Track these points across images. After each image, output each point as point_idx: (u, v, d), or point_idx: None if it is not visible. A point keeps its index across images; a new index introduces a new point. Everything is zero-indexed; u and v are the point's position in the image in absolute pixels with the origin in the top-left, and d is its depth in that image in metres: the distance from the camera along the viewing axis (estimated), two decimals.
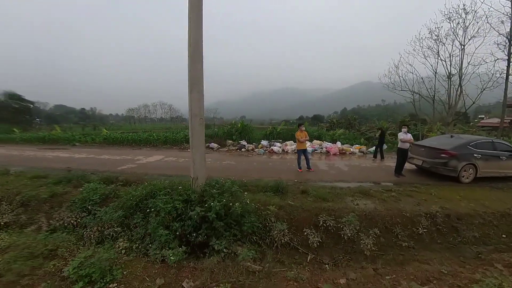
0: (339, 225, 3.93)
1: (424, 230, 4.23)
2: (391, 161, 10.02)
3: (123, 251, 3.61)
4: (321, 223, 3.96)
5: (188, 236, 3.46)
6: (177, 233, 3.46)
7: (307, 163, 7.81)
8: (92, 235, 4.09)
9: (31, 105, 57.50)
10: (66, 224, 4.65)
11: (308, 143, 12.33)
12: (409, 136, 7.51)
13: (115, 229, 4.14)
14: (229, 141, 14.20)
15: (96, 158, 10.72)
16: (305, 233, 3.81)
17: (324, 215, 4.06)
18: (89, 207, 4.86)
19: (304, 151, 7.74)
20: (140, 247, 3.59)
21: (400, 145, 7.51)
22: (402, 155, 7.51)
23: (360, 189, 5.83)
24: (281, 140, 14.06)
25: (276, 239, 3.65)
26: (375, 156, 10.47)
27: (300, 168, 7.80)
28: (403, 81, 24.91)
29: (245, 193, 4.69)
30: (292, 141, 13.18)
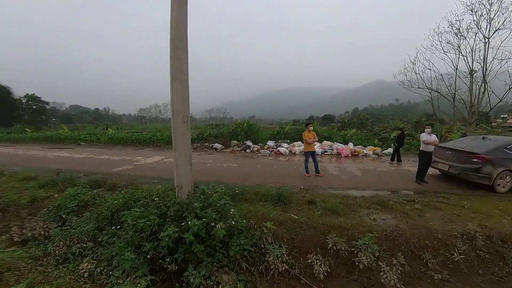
0: (352, 249, 3.14)
1: (461, 256, 3.36)
2: (409, 165, 9.03)
3: (85, 275, 2.98)
4: (330, 245, 3.18)
5: (161, 260, 2.78)
6: (148, 256, 2.78)
7: (316, 167, 7.01)
8: (57, 251, 3.49)
9: (47, 106, 59.60)
10: (36, 236, 4.09)
11: (317, 144, 11.47)
12: (433, 138, 6.55)
13: (85, 245, 3.52)
14: (234, 141, 13.53)
15: (95, 159, 10.31)
16: (310, 259, 3.04)
17: (334, 235, 3.28)
18: (63, 215, 4.29)
19: (312, 154, 6.95)
20: (105, 270, 2.94)
21: (423, 147, 6.56)
22: (425, 159, 6.56)
23: (377, 200, 4.98)
24: (288, 141, 13.25)
25: (272, 266, 2.91)
26: (392, 159, 9.48)
27: (307, 172, 7.01)
28: (420, 78, 23.47)
29: (239, 204, 3.99)
30: (300, 142, 12.34)
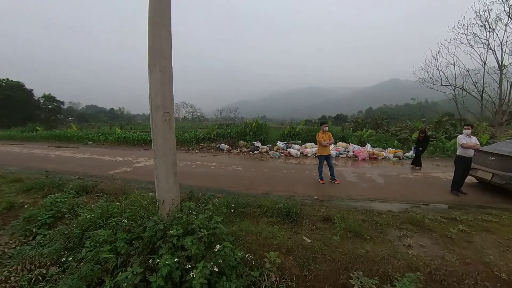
0: None
1: None
2: (436, 170, 7.95)
3: None
4: None
5: None
6: None
7: (331, 173, 6.12)
8: (12, 278, 2.83)
9: (62, 105, 61.43)
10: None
11: (331, 146, 10.53)
12: (474, 140, 5.50)
13: (47, 271, 2.84)
14: (241, 142, 12.79)
15: (96, 159, 9.86)
16: None
17: (361, 272, 2.43)
18: (34, 229, 3.66)
19: (328, 158, 6.07)
20: None
21: (460, 152, 5.52)
22: (464, 166, 5.52)
23: (408, 216, 4.06)
24: (300, 142, 12.36)
25: None
26: (415, 164, 8.37)
27: (321, 178, 6.13)
28: (443, 74, 21.73)
29: (238, 221, 3.20)
30: (312, 143, 11.42)
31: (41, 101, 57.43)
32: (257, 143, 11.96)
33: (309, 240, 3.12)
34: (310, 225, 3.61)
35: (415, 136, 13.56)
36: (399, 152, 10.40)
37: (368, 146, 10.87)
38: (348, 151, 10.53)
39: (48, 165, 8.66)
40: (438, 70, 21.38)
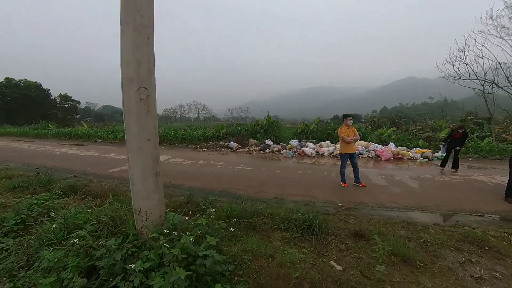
0: None
1: None
2: (476, 172, 6.84)
3: None
4: None
5: None
6: None
7: (356, 174, 5.21)
8: None
9: (78, 104, 63.10)
10: None
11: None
12: None
13: None
14: (252, 140, 12.01)
15: (99, 157, 9.39)
16: None
17: None
18: None
19: (352, 156, 5.18)
20: None
21: None
22: None
23: (464, 232, 3.13)
24: (314, 140, 11.42)
25: None
26: (453, 167, 7.17)
27: (344, 181, 5.23)
28: (471, 68, 20.01)
29: (244, 237, 2.41)
30: (328, 142, 10.46)
31: (58, 100, 59.29)
32: (269, 142, 11.13)
33: (340, 268, 2.27)
34: (338, 243, 2.76)
35: (443, 134, 12.28)
36: (428, 152, 9.25)
37: (392, 145, 9.77)
38: (369, 151, 9.50)
39: (49, 162, 8.24)
40: (465, 63, 19.73)
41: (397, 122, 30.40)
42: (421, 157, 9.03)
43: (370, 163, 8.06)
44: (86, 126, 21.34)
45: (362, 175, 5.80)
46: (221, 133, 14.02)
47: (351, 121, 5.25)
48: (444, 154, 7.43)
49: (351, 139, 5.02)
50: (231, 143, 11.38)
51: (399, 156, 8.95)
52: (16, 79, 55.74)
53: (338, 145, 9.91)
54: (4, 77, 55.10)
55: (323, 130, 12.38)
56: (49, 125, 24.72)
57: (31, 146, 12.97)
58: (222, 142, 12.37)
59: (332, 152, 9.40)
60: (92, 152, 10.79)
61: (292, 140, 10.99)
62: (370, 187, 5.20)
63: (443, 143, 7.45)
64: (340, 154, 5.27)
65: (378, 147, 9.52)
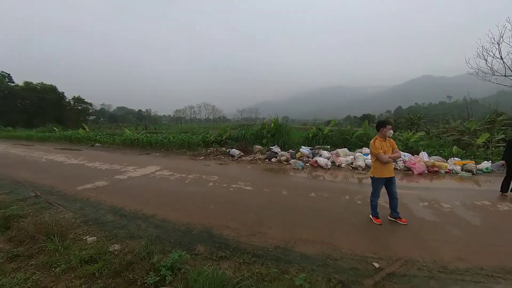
0: None
1: None
2: None
3: None
4: None
5: None
6: None
7: (393, 206, 3.68)
8: None
9: (90, 106, 64.04)
10: None
11: (361, 156, 7.96)
12: None
13: None
14: (257, 146, 10.60)
15: (81, 167, 8.29)
16: None
17: None
18: None
19: (389, 182, 3.66)
20: None
21: None
22: None
23: None
24: (329, 147, 9.87)
25: None
26: (503, 190, 5.35)
27: (376, 216, 3.69)
28: (505, 64, 17.68)
29: None
30: (345, 150, 8.87)
31: (72, 102, 60.41)
32: (276, 148, 9.69)
33: None
34: None
35: (481, 140, 10.36)
36: (471, 164, 7.50)
37: (424, 155, 8.07)
38: (396, 161, 7.88)
39: (23, 174, 7.20)
40: (501, 57, 17.42)
41: (415, 123, 27.86)
42: (462, 171, 7.31)
43: (400, 180, 6.45)
44: (87, 129, 20.65)
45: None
46: (223, 138, 12.72)
47: (391, 131, 3.69)
48: (492, 167, 5.72)
49: (389, 158, 3.51)
50: (233, 150, 10.02)
51: (435, 169, 7.27)
52: (34, 83, 57.35)
53: (357, 154, 8.34)
54: (23, 81, 56.86)
55: (339, 135, 10.79)
56: (54, 127, 24.41)
57: (25, 152, 12.17)
58: (224, 149, 11.05)
59: (351, 163, 7.83)
60: (78, 159, 9.74)
61: (303, 147, 9.48)
62: (414, 224, 3.65)
63: (502, 162, 5.53)
64: (372, 178, 3.72)
65: (408, 157, 7.86)
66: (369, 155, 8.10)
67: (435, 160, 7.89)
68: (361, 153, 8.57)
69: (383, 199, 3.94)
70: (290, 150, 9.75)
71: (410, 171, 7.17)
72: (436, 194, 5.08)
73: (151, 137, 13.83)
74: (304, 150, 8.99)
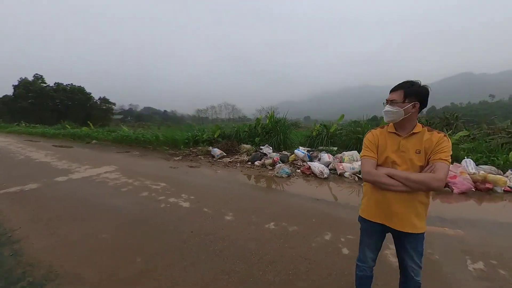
0: None
1: None
2: None
3: None
4: None
5: None
6: None
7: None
8: None
9: (114, 106, 66.63)
10: None
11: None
12: None
13: None
14: (245, 145, 8.78)
15: (39, 166, 7.29)
16: None
17: None
18: None
19: (398, 240, 1.50)
20: None
21: None
22: None
23: None
24: (335, 149, 7.73)
25: None
26: None
27: None
28: None
29: None
30: (354, 153, 6.65)
31: (98, 102, 63.41)
32: (266, 149, 7.79)
33: None
34: None
35: None
36: None
37: (469, 163, 5.59)
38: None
39: None
40: None
41: (452, 124, 23.99)
42: None
43: (434, 203, 4.22)
44: (92, 126, 20.35)
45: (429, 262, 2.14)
46: (215, 136, 11.06)
47: (389, 108, 1.44)
48: None
49: (386, 176, 1.39)
50: (215, 149, 8.30)
51: (487, 185, 4.86)
52: (64, 84, 61.11)
53: None
54: (54, 82, 60.81)
55: (351, 134, 8.53)
56: (67, 125, 24.72)
57: (17, 147, 11.68)
58: (210, 148, 9.39)
59: (359, 171, 5.65)
60: (52, 157, 8.74)
61: (299, 148, 7.44)
62: None
63: None
64: (359, 218, 1.66)
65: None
66: None
67: (486, 171, 5.44)
68: None
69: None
70: (284, 151, 7.78)
71: (447, 188, 4.85)
72: (499, 241, 2.83)
73: (139, 134, 12.64)
74: (299, 152, 6.96)
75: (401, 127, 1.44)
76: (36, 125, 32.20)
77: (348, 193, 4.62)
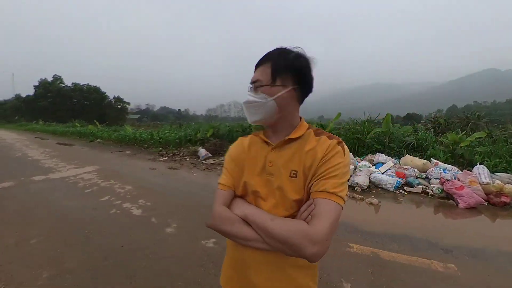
0: None
1: None
2: None
3: None
4: None
5: None
6: None
7: None
8: None
9: (128, 105, 68.21)
10: None
11: (385, 166, 4.93)
12: None
13: None
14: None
15: (28, 163, 7.34)
16: None
17: None
18: None
19: None
20: None
21: None
22: None
23: None
24: None
25: None
26: None
27: None
28: None
29: None
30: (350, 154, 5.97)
31: (112, 102, 65.26)
32: None
33: None
34: None
35: None
36: None
37: (483, 171, 4.74)
38: (428, 178, 4.81)
39: None
40: None
41: (474, 123, 22.25)
42: None
43: (428, 219, 3.50)
44: (99, 125, 20.62)
45: None
46: (208, 135, 10.65)
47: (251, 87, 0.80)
48: None
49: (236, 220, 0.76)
50: (201, 150, 7.86)
51: (504, 199, 4.05)
52: (81, 84, 63.45)
53: (362, 163, 5.30)
54: (71, 82, 63.28)
55: (349, 133, 7.78)
56: (77, 123, 25.30)
57: (23, 144, 12.01)
58: (201, 148, 8.98)
59: (348, 179, 4.97)
60: (46, 155, 8.87)
61: None
62: None
63: None
64: None
65: (450, 174, 4.72)
66: (382, 167, 5.17)
67: (504, 181, 4.62)
68: (371, 161, 5.66)
69: None
70: None
71: (451, 201, 4.09)
72: (508, 282, 2.11)
73: (136, 134, 12.49)
74: None
75: (273, 130, 0.83)
76: (52, 123, 33.42)
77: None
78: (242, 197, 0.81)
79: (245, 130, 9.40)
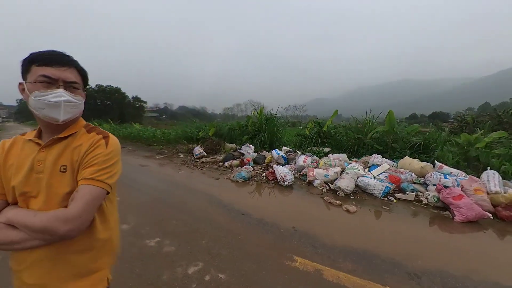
0: None
1: None
2: None
3: None
4: None
5: None
6: None
7: None
8: None
9: (145, 104, 70.75)
10: None
11: (379, 169, 4.35)
12: None
13: None
14: (228, 144, 8.05)
15: None
16: None
17: None
18: None
19: None
20: None
21: None
22: None
23: None
24: (329, 149, 6.57)
25: None
26: None
27: None
28: None
29: None
30: (343, 156, 5.40)
31: (131, 101, 68.06)
32: (246, 148, 6.98)
33: None
34: None
35: None
36: None
37: (493, 177, 3.98)
38: (426, 185, 4.19)
39: None
40: None
41: (506, 122, 20.19)
42: None
43: (409, 233, 2.96)
44: (112, 124, 21.37)
45: None
46: (210, 134, 10.47)
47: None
48: None
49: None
50: (196, 148, 7.69)
51: (508, 211, 3.38)
52: (104, 85, 66.87)
53: (351, 165, 4.71)
54: (95, 84, 66.92)
55: (350, 133, 7.18)
56: (95, 123, 26.50)
57: None
58: (198, 146, 8.85)
59: (334, 180, 4.42)
60: None
61: (275, 150, 6.34)
62: None
63: None
64: None
65: (452, 179, 4.06)
66: (376, 170, 4.61)
67: None
68: (365, 163, 5.11)
69: None
70: (265, 152, 6.83)
71: (447, 212, 3.48)
72: None
73: (141, 131, 12.70)
74: (275, 153, 5.96)
75: (55, 128, 0.85)
76: None
77: (293, 210, 3.47)
78: (16, 203, 0.81)
79: (243, 129, 9.08)
